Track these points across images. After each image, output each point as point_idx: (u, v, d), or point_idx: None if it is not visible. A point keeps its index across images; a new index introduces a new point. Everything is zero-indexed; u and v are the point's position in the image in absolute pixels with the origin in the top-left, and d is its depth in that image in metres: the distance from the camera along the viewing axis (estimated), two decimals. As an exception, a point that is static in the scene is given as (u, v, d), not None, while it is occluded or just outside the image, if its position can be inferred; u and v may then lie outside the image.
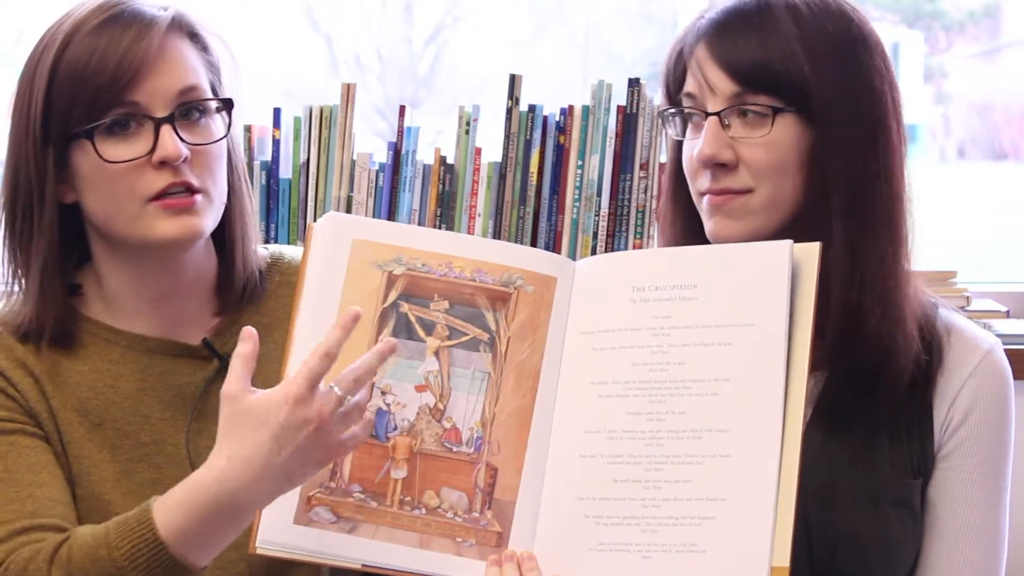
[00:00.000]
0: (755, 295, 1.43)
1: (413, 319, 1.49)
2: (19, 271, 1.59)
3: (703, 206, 1.58)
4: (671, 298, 1.46)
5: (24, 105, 1.54)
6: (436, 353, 1.49)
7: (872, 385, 1.56)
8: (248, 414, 1.36)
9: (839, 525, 1.55)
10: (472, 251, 1.50)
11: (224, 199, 1.58)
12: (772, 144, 1.53)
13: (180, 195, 1.52)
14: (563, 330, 1.49)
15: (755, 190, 1.55)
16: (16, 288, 1.60)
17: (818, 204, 1.54)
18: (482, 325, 1.49)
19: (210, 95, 1.56)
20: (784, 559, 1.36)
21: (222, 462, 1.37)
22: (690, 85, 1.58)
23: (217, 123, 1.56)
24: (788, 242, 1.44)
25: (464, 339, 1.49)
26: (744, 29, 1.54)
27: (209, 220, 1.55)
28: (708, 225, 1.57)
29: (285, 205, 2.38)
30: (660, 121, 1.64)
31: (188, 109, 1.53)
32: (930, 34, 3.04)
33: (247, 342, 1.40)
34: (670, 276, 1.47)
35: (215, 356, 1.62)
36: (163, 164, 1.51)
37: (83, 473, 1.57)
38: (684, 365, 1.43)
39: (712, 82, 1.55)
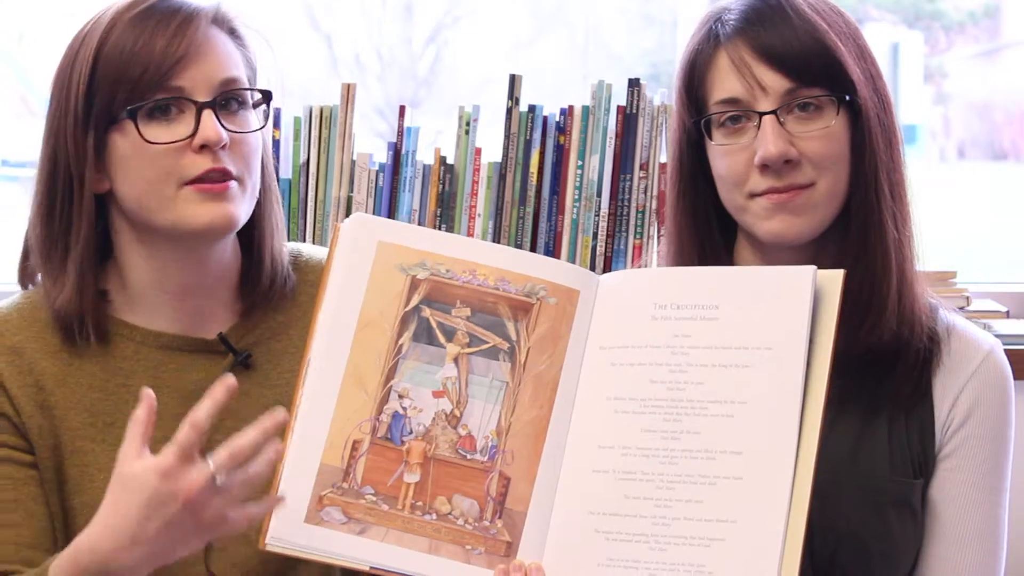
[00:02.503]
0: (776, 319, 1.43)
1: (434, 324, 1.50)
2: (55, 261, 1.59)
3: (755, 208, 1.57)
4: (692, 317, 1.46)
5: (64, 92, 1.55)
6: (455, 360, 1.49)
7: (881, 378, 1.57)
8: (128, 480, 1.37)
9: (840, 524, 1.55)
10: (496, 260, 1.51)
11: (257, 193, 1.60)
12: (831, 135, 1.55)
13: (216, 181, 1.53)
14: (583, 343, 1.49)
15: (816, 183, 1.56)
16: (48, 280, 1.60)
17: (868, 195, 1.56)
18: (503, 334, 1.49)
19: (248, 87, 1.59)
20: None
21: (96, 528, 1.39)
22: (731, 89, 1.57)
23: (254, 117, 1.59)
24: (812, 268, 1.44)
25: (484, 347, 1.49)
26: (784, 26, 1.55)
27: (243, 210, 1.56)
28: (765, 227, 1.57)
29: (285, 205, 2.38)
30: (678, 129, 1.63)
31: (228, 99, 1.55)
32: (930, 34, 3.04)
33: (143, 404, 1.39)
34: (692, 295, 1.47)
35: (230, 351, 1.63)
36: (203, 148, 1.52)
37: (87, 480, 1.57)
38: (702, 385, 1.43)
39: (763, 81, 1.55)
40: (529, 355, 1.48)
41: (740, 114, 1.56)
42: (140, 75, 1.51)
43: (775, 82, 1.55)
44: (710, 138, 1.59)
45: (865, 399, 1.58)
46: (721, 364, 1.43)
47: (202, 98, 1.53)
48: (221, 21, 1.58)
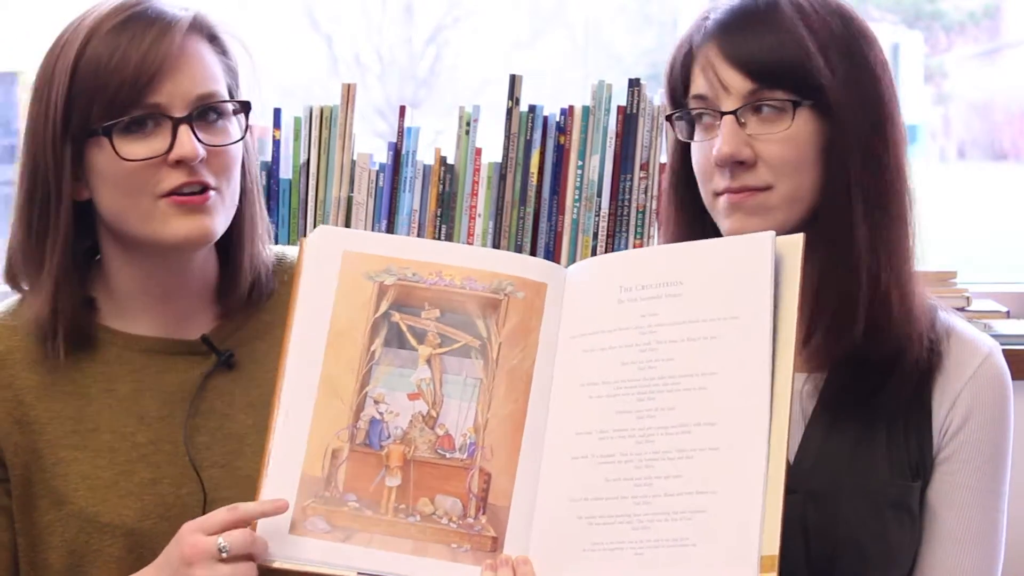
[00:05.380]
0: (739, 287, 1.43)
1: (404, 328, 1.50)
2: (33, 269, 1.59)
3: (719, 206, 1.58)
4: (657, 296, 1.46)
5: (43, 102, 1.54)
6: (428, 361, 1.49)
7: (879, 382, 1.56)
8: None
9: (838, 527, 1.55)
10: (462, 259, 1.51)
11: (236, 202, 1.60)
12: (791, 139, 1.54)
13: (194, 193, 1.53)
14: (555, 335, 1.49)
15: (774, 187, 1.55)
16: (27, 288, 1.60)
17: (838, 199, 1.55)
18: (473, 332, 1.49)
19: (227, 98, 1.57)
20: (773, 547, 1.36)
21: None
22: (700, 86, 1.58)
23: (234, 125, 1.58)
24: (770, 233, 1.44)
25: (455, 346, 1.49)
26: (754, 27, 1.55)
27: (220, 221, 1.56)
28: (725, 225, 1.57)
29: (285, 205, 2.39)
30: (667, 124, 1.64)
31: (205, 111, 1.54)
32: (930, 34, 3.05)
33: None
34: (656, 274, 1.47)
35: (213, 351, 1.63)
36: (179, 163, 1.52)
37: (71, 490, 1.57)
38: (672, 361, 1.43)
39: (726, 81, 1.55)
40: (501, 350, 1.49)
41: (706, 111, 1.57)
42: (116, 91, 1.50)
43: (737, 83, 1.55)
44: (689, 135, 1.61)
45: (864, 404, 1.58)
46: (689, 338, 1.43)
47: (178, 113, 1.52)
48: (200, 29, 1.56)
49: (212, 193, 1.54)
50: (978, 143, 3.13)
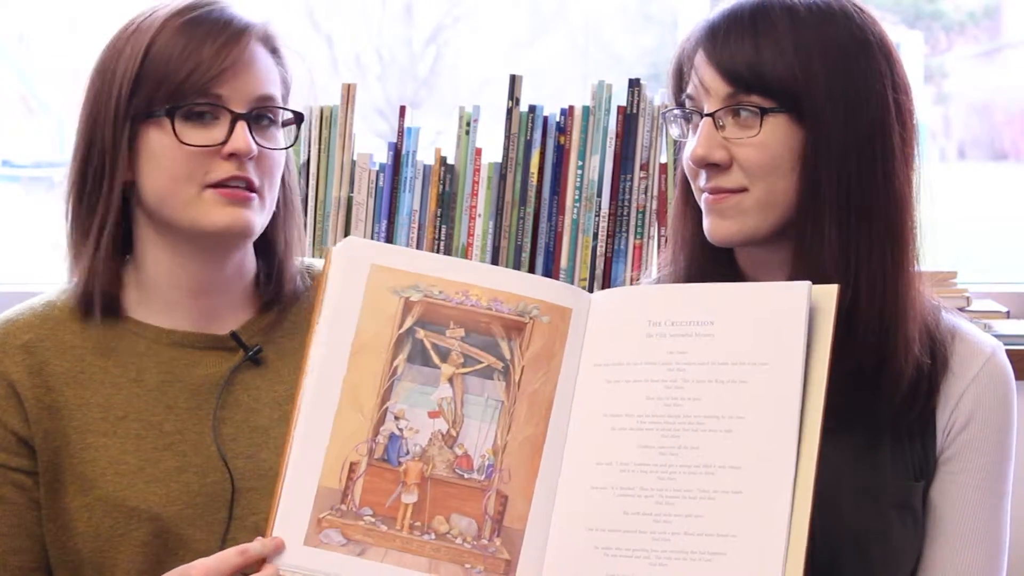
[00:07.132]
0: (772, 335, 1.43)
1: (428, 345, 1.50)
2: (80, 244, 1.64)
3: (702, 204, 1.60)
4: (687, 334, 1.46)
5: (107, 83, 1.60)
6: (450, 380, 1.49)
7: (872, 387, 1.56)
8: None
9: (841, 526, 1.55)
10: (489, 280, 1.51)
11: (274, 206, 1.65)
12: (763, 144, 1.55)
13: (238, 188, 1.59)
14: (577, 361, 1.49)
15: (749, 189, 1.56)
16: (73, 261, 1.65)
17: (811, 204, 1.55)
18: (497, 354, 1.49)
19: (283, 106, 1.65)
20: None
21: None
22: (689, 87, 1.60)
23: (282, 133, 1.65)
24: (807, 283, 1.44)
25: (478, 367, 1.49)
26: (738, 32, 1.56)
27: (259, 220, 1.62)
28: (705, 223, 1.59)
29: (285, 205, 2.38)
30: (663, 121, 1.65)
31: (261, 113, 1.61)
32: (930, 34, 3.04)
33: None
34: (687, 312, 1.47)
35: (241, 347, 1.66)
36: (231, 156, 1.58)
37: (99, 475, 1.60)
38: (699, 401, 1.43)
39: (707, 84, 1.56)
40: (523, 374, 1.48)
41: (694, 112, 1.59)
42: (185, 78, 1.57)
43: (717, 86, 1.56)
44: (682, 134, 1.62)
45: (866, 406, 1.58)
46: (718, 380, 1.43)
47: (238, 109, 1.58)
48: (266, 39, 1.64)
49: (254, 195, 1.60)
50: (978, 143, 3.13)
